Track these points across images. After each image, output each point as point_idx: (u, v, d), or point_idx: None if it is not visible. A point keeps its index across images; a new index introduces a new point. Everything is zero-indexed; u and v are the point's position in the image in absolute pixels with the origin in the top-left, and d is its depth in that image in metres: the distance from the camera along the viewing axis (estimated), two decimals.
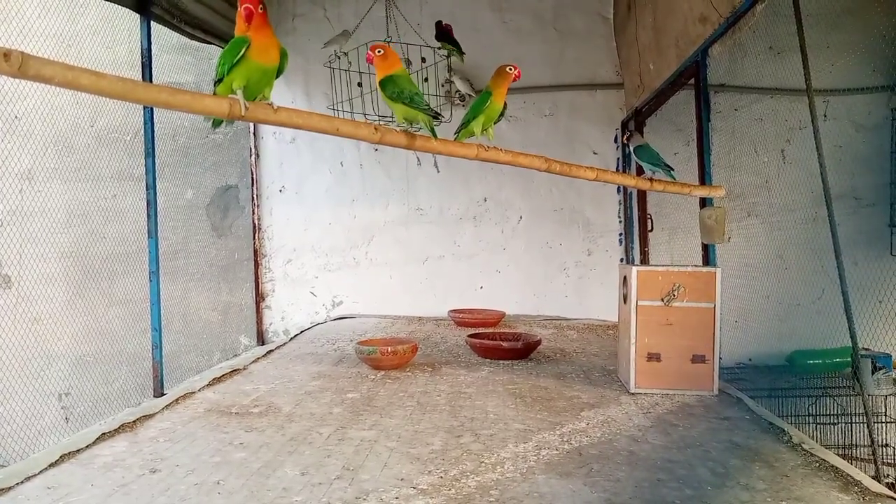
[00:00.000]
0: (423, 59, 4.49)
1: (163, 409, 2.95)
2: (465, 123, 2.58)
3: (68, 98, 5.33)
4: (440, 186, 5.70)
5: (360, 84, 4.58)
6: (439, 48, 4.35)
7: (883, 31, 4.36)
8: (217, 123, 2.15)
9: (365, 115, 4.50)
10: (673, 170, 3.17)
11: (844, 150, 5.05)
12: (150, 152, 3.95)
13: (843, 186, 4.99)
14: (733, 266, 4.44)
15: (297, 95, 5.73)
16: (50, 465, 2.24)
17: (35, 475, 2.17)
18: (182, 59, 5.67)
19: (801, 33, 2.86)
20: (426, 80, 4.56)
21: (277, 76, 1.99)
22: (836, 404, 4.22)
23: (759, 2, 3.04)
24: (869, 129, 5.15)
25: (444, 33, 4.29)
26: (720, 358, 3.10)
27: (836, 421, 4.19)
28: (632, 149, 3.34)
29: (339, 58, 4.49)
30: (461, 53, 4.27)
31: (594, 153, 5.57)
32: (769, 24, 3.63)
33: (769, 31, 3.92)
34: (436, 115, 2.42)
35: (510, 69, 2.56)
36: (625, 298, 3.21)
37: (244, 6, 1.85)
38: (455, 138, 2.59)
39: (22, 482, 2.11)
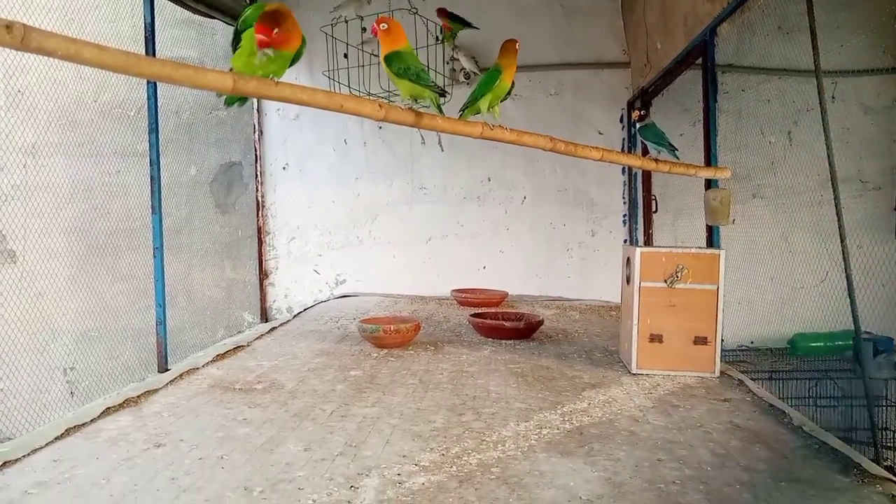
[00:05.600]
0: (437, 38, 4.44)
1: (167, 384, 2.97)
2: (473, 101, 2.55)
3: (72, 72, 5.30)
4: (444, 165, 5.68)
5: (346, 55, 4.53)
6: (442, 39, 4.31)
7: (893, 12, 4.31)
8: (231, 102, 2.15)
9: (349, 87, 4.45)
10: (677, 150, 3.16)
11: (852, 132, 5.01)
12: (153, 128, 3.94)
13: (850, 169, 4.96)
14: (737, 248, 4.43)
15: (301, 71, 5.67)
16: (56, 439, 2.27)
17: (41, 448, 2.19)
18: (185, 33, 5.62)
19: (810, 13, 2.82)
20: (442, 41, 4.46)
21: (293, 63, 2.00)
22: (836, 387, 4.24)
23: None
24: (877, 112, 5.10)
25: (453, 15, 4.26)
26: (722, 340, 3.10)
27: (836, 404, 4.20)
28: (637, 127, 3.32)
29: (344, 23, 4.43)
30: (471, 26, 4.22)
31: (599, 133, 5.53)
32: (778, 4, 3.59)
33: (778, 11, 3.88)
34: (442, 93, 2.40)
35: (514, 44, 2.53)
36: (628, 279, 3.21)
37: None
38: (460, 116, 2.57)
39: (28, 454, 2.13)
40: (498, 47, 2.58)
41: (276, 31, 1.82)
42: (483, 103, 2.52)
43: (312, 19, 5.39)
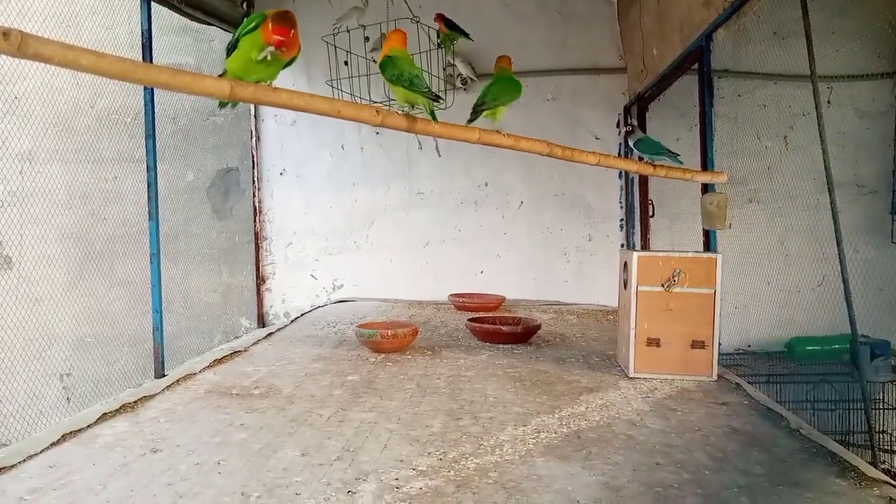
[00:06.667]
0: (437, 45, 4.44)
1: (163, 389, 2.97)
2: (491, 108, 2.58)
3: (68, 79, 5.30)
4: (441, 170, 5.68)
5: (346, 63, 4.55)
6: (440, 44, 4.32)
7: (888, 18, 4.33)
8: (224, 103, 2.16)
9: (352, 96, 4.45)
10: (679, 155, 3.14)
11: (847, 136, 5.03)
12: (150, 134, 3.93)
13: (846, 173, 4.97)
14: (734, 252, 4.44)
15: (298, 77, 5.69)
16: (52, 445, 2.26)
17: (37, 454, 2.18)
18: (182, 40, 5.63)
19: (805, 19, 2.84)
20: (440, 46, 4.47)
21: (284, 67, 2.02)
22: (834, 391, 4.24)
23: None
24: (872, 116, 5.13)
25: (450, 22, 4.28)
26: (719, 344, 3.11)
27: (833, 407, 4.21)
28: (632, 144, 3.30)
29: (346, 33, 4.45)
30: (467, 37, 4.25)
31: (596, 138, 5.54)
32: (773, 10, 3.61)
33: (773, 17, 3.90)
34: (436, 98, 2.41)
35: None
36: (625, 284, 3.21)
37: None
38: (472, 116, 2.59)
39: (24, 461, 2.13)
40: (494, 53, 2.61)
41: (292, 32, 1.87)
42: (500, 112, 2.55)
43: (311, 27, 5.40)
